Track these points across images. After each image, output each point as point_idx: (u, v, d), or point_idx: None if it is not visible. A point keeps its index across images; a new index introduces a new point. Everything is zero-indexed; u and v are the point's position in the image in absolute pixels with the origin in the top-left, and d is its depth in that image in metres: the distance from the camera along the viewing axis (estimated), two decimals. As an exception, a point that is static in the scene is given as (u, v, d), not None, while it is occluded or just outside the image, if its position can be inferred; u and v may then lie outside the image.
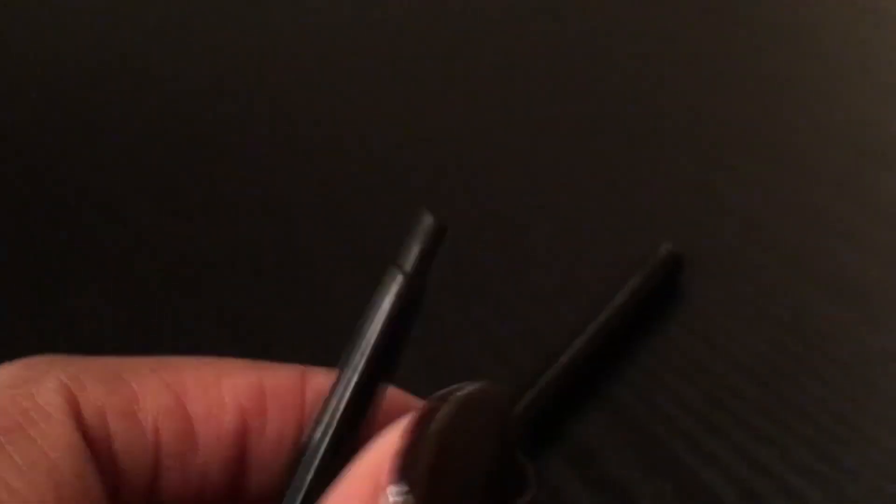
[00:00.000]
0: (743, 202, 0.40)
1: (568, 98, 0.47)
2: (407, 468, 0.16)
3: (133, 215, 0.43)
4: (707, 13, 0.52)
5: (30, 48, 0.55)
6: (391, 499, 0.16)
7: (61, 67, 0.53)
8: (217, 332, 0.37)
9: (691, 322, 0.35)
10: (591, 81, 0.48)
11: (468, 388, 0.17)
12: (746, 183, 0.40)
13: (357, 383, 0.18)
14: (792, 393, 0.32)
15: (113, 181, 0.45)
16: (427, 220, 0.18)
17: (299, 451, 0.19)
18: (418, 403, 0.21)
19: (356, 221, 0.41)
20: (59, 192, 0.45)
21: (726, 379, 0.33)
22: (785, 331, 0.34)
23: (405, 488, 0.16)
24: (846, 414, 0.31)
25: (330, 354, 0.19)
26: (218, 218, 0.42)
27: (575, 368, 0.33)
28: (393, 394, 0.20)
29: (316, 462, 0.18)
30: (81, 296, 0.39)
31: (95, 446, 0.18)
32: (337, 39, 0.53)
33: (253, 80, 0.51)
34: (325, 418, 0.19)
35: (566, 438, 0.32)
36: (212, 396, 0.19)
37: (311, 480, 0.18)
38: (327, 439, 0.18)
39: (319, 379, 0.20)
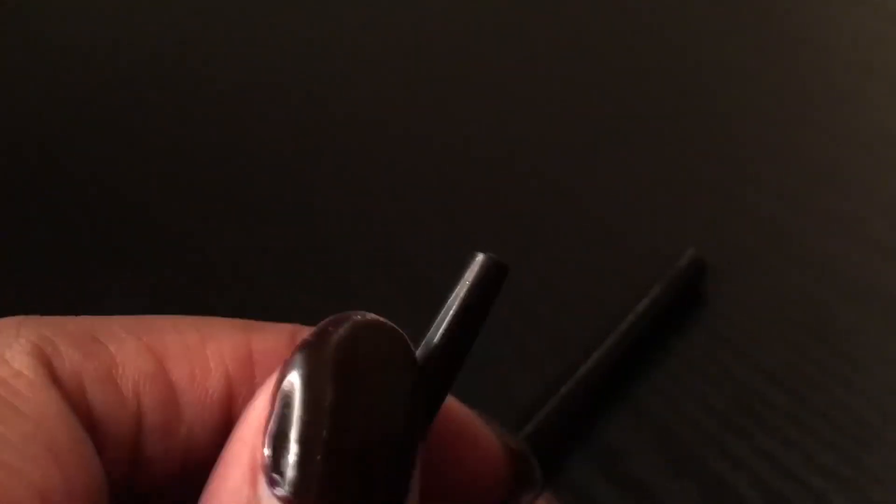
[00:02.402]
0: (767, 209, 0.40)
1: (594, 104, 0.47)
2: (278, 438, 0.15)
3: (163, 218, 0.43)
4: (736, 21, 0.52)
5: (63, 52, 0.56)
6: (266, 488, 0.15)
7: (95, 71, 0.54)
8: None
9: (716, 327, 0.35)
10: (617, 88, 0.48)
11: (342, 326, 0.16)
12: (771, 190, 0.41)
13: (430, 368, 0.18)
14: (816, 397, 0.32)
15: (143, 184, 0.45)
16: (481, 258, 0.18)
17: None
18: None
19: (385, 225, 0.42)
20: (89, 195, 0.45)
21: (751, 383, 0.33)
22: (808, 336, 0.34)
23: (285, 471, 0.15)
24: (870, 418, 0.32)
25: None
26: (247, 221, 0.43)
27: (601, 373, 0.33)
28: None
29: None
30: (112, 297, 0.40)
31: (75, 414, 0.16)
32: (362, 43, 0.53)
33: (282, 85, 0.51)
34: None
35: (593, 441, 0.32)
36: (195, 361, 0.17)
37: None
38: None
39: None
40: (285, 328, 0.18)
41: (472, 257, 0.18)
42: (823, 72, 0.48)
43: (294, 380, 0.15)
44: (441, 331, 0.18)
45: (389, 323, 0.16)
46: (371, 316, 0.16)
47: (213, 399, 0.17)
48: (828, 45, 0.49)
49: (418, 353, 0.18)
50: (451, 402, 0.19)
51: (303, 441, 0.15)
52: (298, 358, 0.16)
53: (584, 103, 0.48)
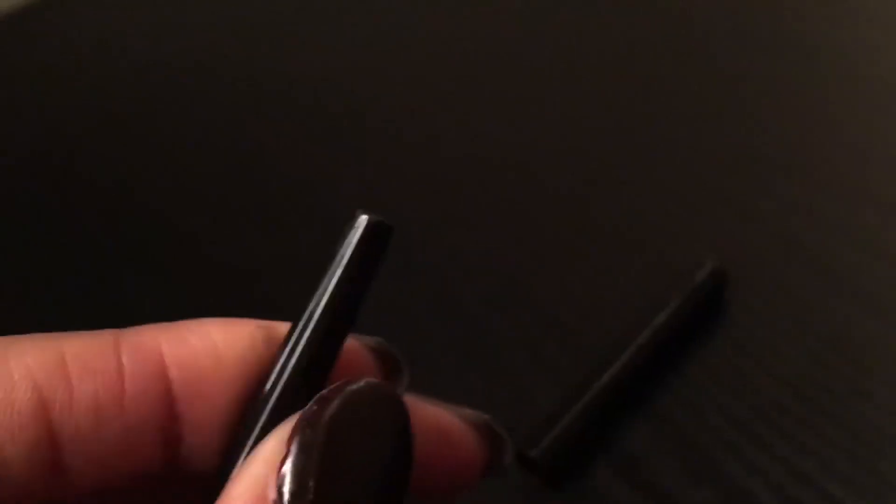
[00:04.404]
0: (787, 221, 0.40)
1: (615, 114, 0.48)
2: (295, 478, 0.16)
3: (184, 222, 0.44)
4: (751, 36, 0.52)
5: (87, 58, 0.57)
6: None
7: (120, 79, 0.55)
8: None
9: (735, 337, 0.36)
10: (638, 99, 0.49)
11: (353, 385, 0.17)
12: (790, 202, 0.41)
13: (313, 329, 0.18)
14: (833, 406, 0.33)
15: (165, 190, 0.46)
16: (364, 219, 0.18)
17: (250, 407, 0.18)
18: (371, 355, 0.20)
19: (404, 230, 0.42)
20: (112, 200, 0.46)
21: (769, 392, 0.34)
22: (826, 346, 0.35)
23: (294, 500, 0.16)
24: (886, 426, 0.32)
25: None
26: (266, 226, 0.44)
27: (623, 381, 0.34)
28: (352, 346, 0.20)
29: (264, 416, 0.18)
30: (133, 299, 0.41)
31: None
32: (376, 48, 0.54)
33: (300, 91, 0.52)
34: (275, 371, 0.18)
35: (614, 447, 0.33)
36: None
37: (257, 438, 0.18)
38: (277, 392, 0.18)
39: (135, 338, 0.19)
40: (107, 332, 0.19)
41: (355, 218, 0.18)
42: (843, 84, 0.48)
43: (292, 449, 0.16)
44: (328, 291, 0.18)
45: (385, 389, 0.17)
46: (367, 383, 0.17)
47: (24, 411, 0.18)
48: (848, 62, 0.50)
49: (303, 320, 0.18)
50: (426, 407, 0.20)
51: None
52: (299, 426, 0.16)
53: (606, 113, 0.48)
